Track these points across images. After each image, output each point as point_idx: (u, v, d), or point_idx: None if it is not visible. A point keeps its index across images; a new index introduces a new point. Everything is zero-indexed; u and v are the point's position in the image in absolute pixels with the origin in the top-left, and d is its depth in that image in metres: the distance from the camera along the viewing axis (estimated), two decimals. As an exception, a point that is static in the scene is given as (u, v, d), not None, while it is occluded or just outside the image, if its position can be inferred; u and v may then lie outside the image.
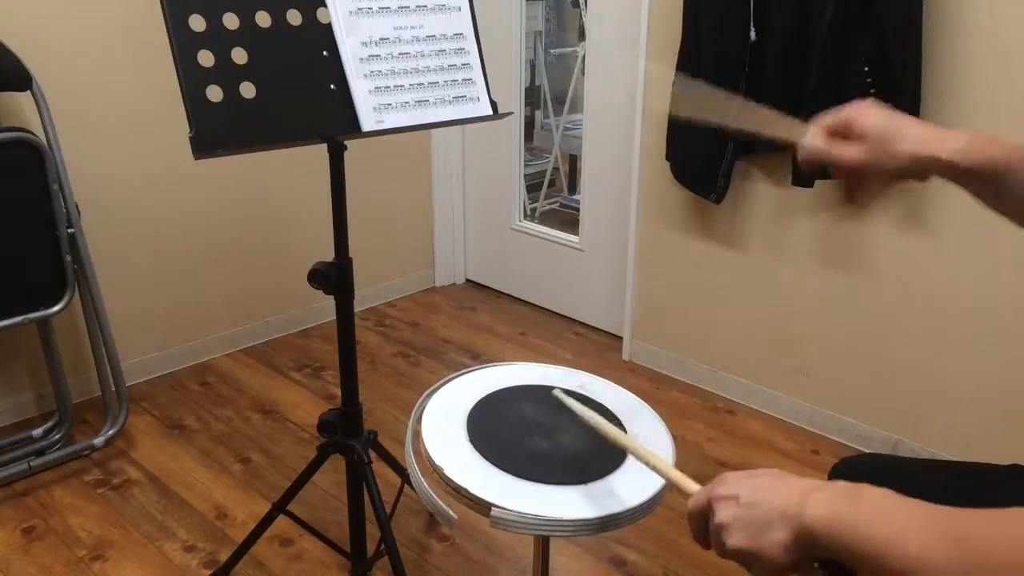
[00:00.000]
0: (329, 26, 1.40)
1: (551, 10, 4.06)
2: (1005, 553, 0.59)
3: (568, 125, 3.78)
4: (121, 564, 1.83)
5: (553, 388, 1.15)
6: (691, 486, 0.86)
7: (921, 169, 0.91)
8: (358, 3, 1.42)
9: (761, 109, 1.00)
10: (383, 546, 1.62)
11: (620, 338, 2.83)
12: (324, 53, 1.40)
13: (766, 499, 0.75)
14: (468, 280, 3.43)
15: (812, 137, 0.95)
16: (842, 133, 0.94)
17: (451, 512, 1.03)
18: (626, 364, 2.77)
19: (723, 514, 0.77)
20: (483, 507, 0.98)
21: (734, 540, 0.75)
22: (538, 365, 1.32)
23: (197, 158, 1.28)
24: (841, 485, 0.73)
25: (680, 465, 1.10)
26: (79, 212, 2.10)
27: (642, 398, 1.25)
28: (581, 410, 1.07)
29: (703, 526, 0.80)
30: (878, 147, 0.91)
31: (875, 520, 0.67)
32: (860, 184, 0.96)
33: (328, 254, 1.53)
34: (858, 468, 1.14)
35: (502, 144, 3.10)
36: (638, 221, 2.63)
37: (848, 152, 0.93)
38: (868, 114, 0.92)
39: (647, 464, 0.94)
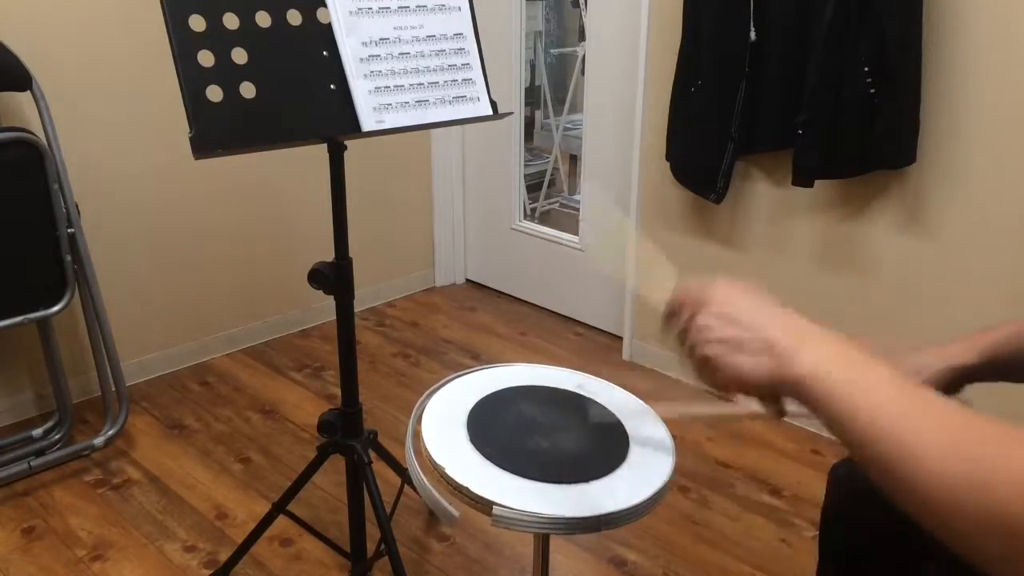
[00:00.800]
0: (329, 26, 1.40)
1: (551, 10, 4.06)
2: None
3: (568, 125, 3.78)
4: (121, 564, 1.83)
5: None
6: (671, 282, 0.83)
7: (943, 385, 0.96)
8: (358, 3, 1.42)
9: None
10: (383, 546, 1.62)
11: (620, 338, 2.83)
12: (324, 53, 1.40)
13: (760, 325, 0.72)
14: (468, 280, 3.43)
15: None
16: None
17: (452, 509, 1.03)
18: (626, 364, 2.77)
19: (712, 322, 0.74)
20: (485, 506, 0.98)
21: (712, 350, 0.74)
22: (538, 365, 1.32)
23: (197, 158, 1.28)
24: (840, 347, 0.69)
25: (680, 465, 1.11)
26: (79, 212, 2.10)
27: (642, 398, 1.25)
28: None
29: (677, 316, 0.78)
30: None
31: (860, 391, 0.64)
32: None
33: (328, 254, 1.53)
34: (859, 469, 1.14)
35: (502, 144, 3.10)
36: (638, 221, 2.63)
37: None
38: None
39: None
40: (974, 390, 0.98)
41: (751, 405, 0.79)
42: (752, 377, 0.71)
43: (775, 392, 0.72)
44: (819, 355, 0.68)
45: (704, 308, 0.75)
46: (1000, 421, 0.58)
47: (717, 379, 0.74)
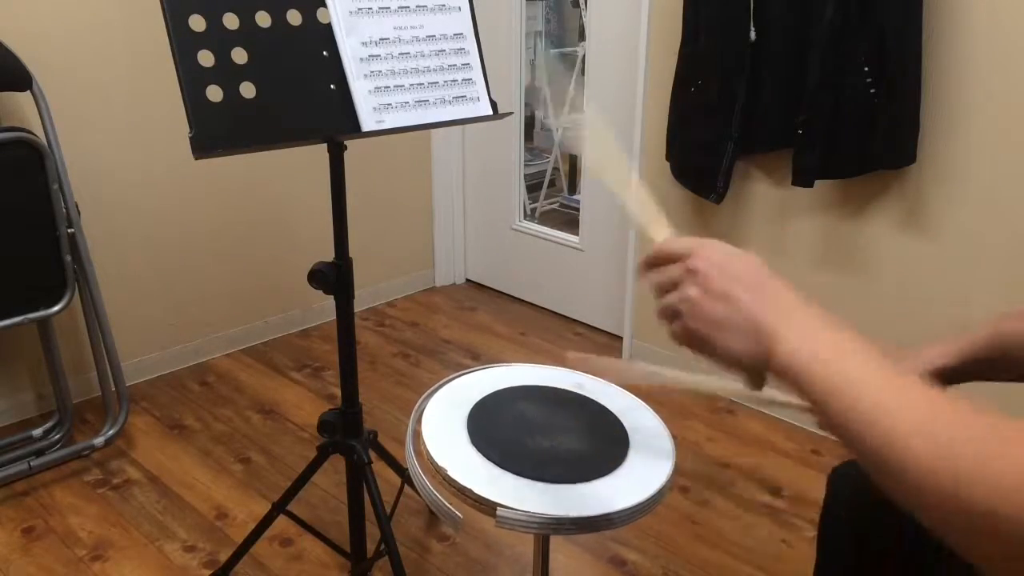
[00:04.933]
0: (329, 26, 1.40)
1: (551, 10, 4.05)
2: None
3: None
4: (121, 564, 1.83)
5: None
6: (663, 233, 0.81)
7: None
8: (358, 3, 1.42)
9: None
10: (383, 546, 1.62)
11: (620, 338, 2.83)
12: (324, 53, 1.40)
13: (746, 305, 0.70)
14: (468, 280, 3.43)
15: None
16: None
17: (456, 512, 1.03)
18: (626, 364, 2.77)
19: (695, 293, 0.73)
20: (489, 507, 0.98)
21: (696, 324, 0.72)
22: (538, 365, 1.32)
23: (197, 158, 1.28)
24: (826, 334, 0.67)
25: (680, 465, 1.11)
26: (79, 212, 2.10)
27: (642, 398, 1.25)
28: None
29: (663, 277, 0.76)
30: None
31: (841, 374, 0.63)
32: None
33: (328, 254, 1.53)
34: (859, 470, 1.14)
35: (502, 144, 3.10)
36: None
37: None
38: None
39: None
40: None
41: (730, 380, 0.78)
42: (736, 357, 0.70)
43: (758, 369, 0.71)
44: (802, 337, 0.67)
45: (692, 273, 0.73)
46: (985, 413, 0.56)
47: (700, 350, 0.73)
